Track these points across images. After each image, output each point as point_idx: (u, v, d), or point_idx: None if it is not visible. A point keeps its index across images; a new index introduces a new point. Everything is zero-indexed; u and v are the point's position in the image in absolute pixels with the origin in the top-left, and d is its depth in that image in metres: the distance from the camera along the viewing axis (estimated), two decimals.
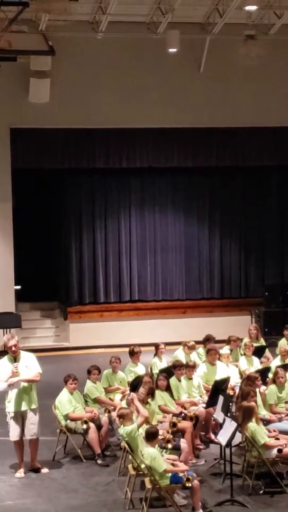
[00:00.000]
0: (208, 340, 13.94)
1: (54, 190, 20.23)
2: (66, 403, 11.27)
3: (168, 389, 11.58)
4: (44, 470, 10.70)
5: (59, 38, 17.60)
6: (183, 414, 11.33)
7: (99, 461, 10.97)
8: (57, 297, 20.40)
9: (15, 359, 10.51)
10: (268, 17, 18.11)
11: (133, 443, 9.64)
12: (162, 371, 12.49)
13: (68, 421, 11.26)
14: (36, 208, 20.35)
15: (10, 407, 10.58)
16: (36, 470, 10.70)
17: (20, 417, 10.58)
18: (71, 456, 11.33)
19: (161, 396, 11.34)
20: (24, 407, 10.55)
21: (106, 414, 11.46)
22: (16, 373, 10.39)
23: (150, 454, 9.17)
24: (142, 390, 10.88)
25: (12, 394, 10.52)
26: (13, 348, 10.49)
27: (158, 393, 11.29)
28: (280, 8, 17.78)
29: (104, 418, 11.33)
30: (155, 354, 13.57)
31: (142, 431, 9.70)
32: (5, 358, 10.62)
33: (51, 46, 17.34)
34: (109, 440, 11.61)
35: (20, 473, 10.59)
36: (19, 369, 10.43)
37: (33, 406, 10.64)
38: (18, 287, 19.14)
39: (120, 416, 9.77)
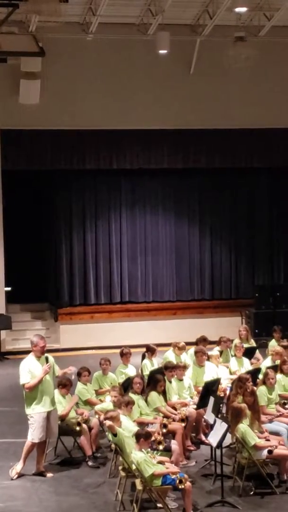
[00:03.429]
0: (202, 341, 13.92)
1: (44, 192, 20.21)
2: (57, 405, 11.24)
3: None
4: (49, 475, 10.64)
5: (50, 40, 17.58)
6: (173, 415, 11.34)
7: (90, 463, 10.96)
8: (47, 298, 20.38)
9: (46, 359, 10.55)
10: (258, 19, 18.17)
11: (122, 445, 9.64)
12: (153, 372, 12.50)
13: (60, 423, 11.23)
14: (26, 209, 20.31)
15: (38, 408, 10.47)
16: (41, 474, 10.63)
17: (46, 417, 10.52)
18: (61, 458, 11.33)
19: (157, 398, 11.35)
20: (49, 407, 10.55)
21: (97, 416, 11.44)
22: (48, 372, 10.46)
23: (136, 459, 9.16)
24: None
25: (37, 395, 10.44)
26: (44, 349, 10.58)
27: (154, 394, 11.30)
28: (269, 10, 17.86)
29: (94, 420, 11.31)
30: (144, 356, 13.55)
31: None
32: (32, 357, 10.60)
33: (41, 47, 17.32)
34: (100, 442, 11.60)
35: (17, 472, 10.50)
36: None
37: (55, 406, 10.71)
38: (9, 288, 19.11)
39: (109, 419, 9.76)
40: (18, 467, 10.55)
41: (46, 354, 10.69)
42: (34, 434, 10.50)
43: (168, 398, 11.82)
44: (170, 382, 12.01)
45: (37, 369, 10.45)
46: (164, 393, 11.51)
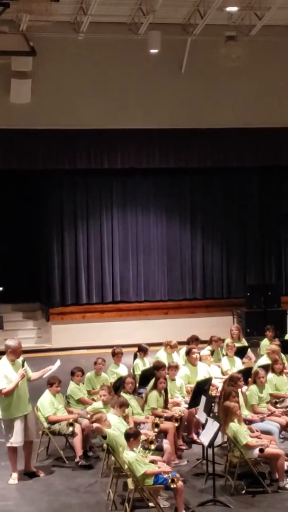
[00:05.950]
0: (194, 340, 13.91)
1: (36, 191, 20.17)
2: (48, 405, 11.23)
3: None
4: (41, 474, 10.61)
5: (40, 39, 17.56)
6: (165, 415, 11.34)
7: (81, 463, 10.92)
8: (39, 298, 20.33)
9: (23, 363, 10.45)
10: (249, 18, 18.18)
11: (114, 445, 9.62)
12: (144, 372, 12.50)
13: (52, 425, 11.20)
14: (18, 209, 20.29)
15: (15, 413, 10.38)
16: (32, 474, 10.60)
17: (24, 421, 10.46)
18: (53, 458, 11.32)
19: (155, 399, 11.34)
20: (25, 410, 10.47)
21: (88, 416, 11.42)
22: (25, 376, 10.39)
23: (127, 459, 9.16)
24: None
25: (13, 400, 10.36)
26: (21, 353, 10.49)
27: (154, 394, 11.30)
28: (260, 9, 17.86)
29: (85, 421, 11.28)
30: (136, 356, 13.55)
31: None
32: (6, 362, 10.48)
33: (32, 46, 17.29)
34: (92, 441, 11.59)
35: (14, 479, 10.44)
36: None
37: (31, 408, 10.64)
38: (0, 288, 19.08)
39: (96, 421, 9.74)
40: (14, 475, 10.49)
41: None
42: (13, 439, 10.44)
43: None
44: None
45: (12, 374, 10.34)
46: (166, 393, 11.47)
